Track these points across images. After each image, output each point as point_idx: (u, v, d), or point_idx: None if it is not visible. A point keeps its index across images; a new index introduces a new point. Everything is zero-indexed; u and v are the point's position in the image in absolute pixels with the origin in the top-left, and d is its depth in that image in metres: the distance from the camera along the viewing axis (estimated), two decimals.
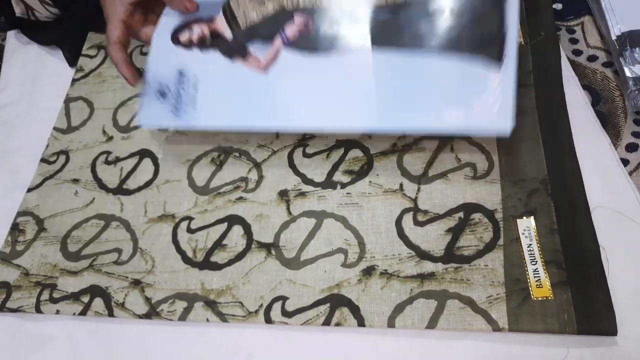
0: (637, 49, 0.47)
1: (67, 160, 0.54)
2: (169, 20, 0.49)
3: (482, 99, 0.39)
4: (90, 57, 0.61)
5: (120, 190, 0.51)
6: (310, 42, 0.45)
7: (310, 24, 0.46)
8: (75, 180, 0.53)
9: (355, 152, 0.49)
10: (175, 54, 0.48)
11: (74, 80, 0.60)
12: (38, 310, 0.46)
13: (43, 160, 0.55)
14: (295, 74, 0.45)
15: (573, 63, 0.51)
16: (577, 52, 0.52)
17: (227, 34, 0.48)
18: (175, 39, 0.49)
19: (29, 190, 0.53)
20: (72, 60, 0.62)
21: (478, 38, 0.41)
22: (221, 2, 0.49)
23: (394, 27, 0.44)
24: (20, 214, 0.52)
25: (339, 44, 0.45)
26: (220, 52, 0.47)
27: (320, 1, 0.45)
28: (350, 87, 0.44)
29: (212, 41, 0.48)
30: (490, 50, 0.40)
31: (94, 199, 0.51)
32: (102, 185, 0.52)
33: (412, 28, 0.43)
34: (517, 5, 0.41)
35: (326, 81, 0.45)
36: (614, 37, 0.49)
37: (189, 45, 0.48)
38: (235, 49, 0.47)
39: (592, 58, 0.51)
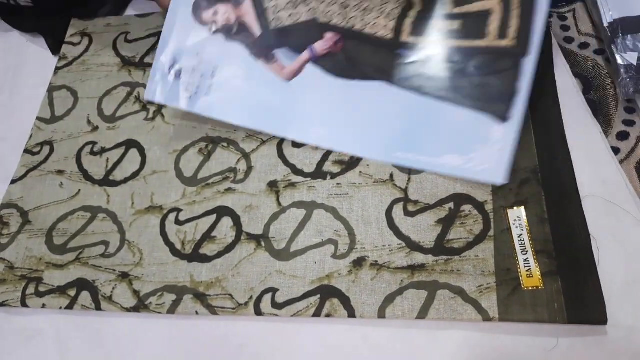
0: (629, 36, 0.46)
1: (52, 151, 0.53)
2: None
3: (481, 151, 0.41)
4: (74, 44, 0.60)
5: (106, 181, 0.50)
6: (335, 63, 0.46)
7: (340, 45, 0.46)
8: (60, 172, 0.52)
9: None
10: (194, 30, 0.46)
11: (57, 69, 0.59)
12: (24, 304, 0.45)
13: (26, 151, 0.54)
14: (315, 89, 0.46)
15: (564, 50, 0.50)
16: (569, 40, 0.52)
17: (255, 29, 0.47)
18: (197, 15, 0.46)
19: (13, 182, 0.52)
20: (55, 48, 0.61)
21: (489, 96, 0.43)
22: None
23: (415, 69, 0.45)
24: (4, 206, 0.51)
25: (362, 71, 0.46)
26: (246, 48, 0.46)
27: (354, 23, 0.45)
28: (362, 114, 0.45)
29: (238, 33, 0.46)
30: (498, 109, 0.42)
31: (79, 190, 0.50)
32: (87, 177, 0.51)
33: (431, 73, 0.45)
34: (532, 69, 0.42)
35: (342, 104, 0.45)
36: (605, 24, 0.48)
37: (210, 25, 0.47)
38: (262, 51, 0.46)
39: (584, 45, 0.51)
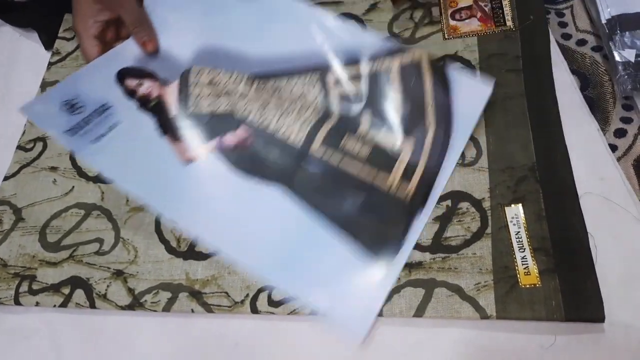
0: (627, 32, 0.46)
1: (45, 147, 0.53)
2: (127, 49, 0.48)
3: (352, 298, 0.40)
4: (67, 39, 0.59)
5: (100, 178, 0.50)
6: (240, 157, 0.45)
7: (250, 141, 0.45)
8: (54, 168, 0.51)
9: None
10: (111, 87, 0.47)
11: (50, 64, 0.58)
12: (17, 302, 0.45)
13: (19, 147, 0.53)
14: (211, 179, 0.45)
15: (562, 47, 0.50)
16: (566, 36, 0.52)
17: (173, 108, 0.47)
18: (121, 78, 0.47)
19: (5, 178, 0.51)
20: (48, 43, 0.60)
21: (377, 237, 0.42)
22: (181, 69, 0.48)
23: (316, 183, 0.44)
24: None
25: (265, 171, 0.44)
26: (156, 121, 0.46)
27: (268, 124, 0.45)
28: (254, 217, 0.43)
29: (154, 107, 0.47)
30: (384, 253, 0.41)
31: (73, 187, 0.50)
32: (81, 173, 0.50)
33: (330, 194, 0.43)
34: (421, 225, 0.42)
35: (235, 200, 0.44)
36: (603, 21, 0.48)
37: (130, 94, 0.47)
38: (172, 128, 0.46)
39: (582, 42, 0.51)
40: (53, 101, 0.44)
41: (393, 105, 0.45)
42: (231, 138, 0.44)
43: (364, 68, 0.46)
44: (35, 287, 0.45)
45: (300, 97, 0.46)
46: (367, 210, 0.42)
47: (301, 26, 0.50)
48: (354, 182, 0.43)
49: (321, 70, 0.48)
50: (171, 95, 0.47)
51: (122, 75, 0.47)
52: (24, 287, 0.45)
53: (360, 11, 0.55)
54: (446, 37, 0.52)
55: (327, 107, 0.46)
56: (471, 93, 0.45)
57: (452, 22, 0.52)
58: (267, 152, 0.45)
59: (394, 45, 0.46)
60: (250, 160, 0.45)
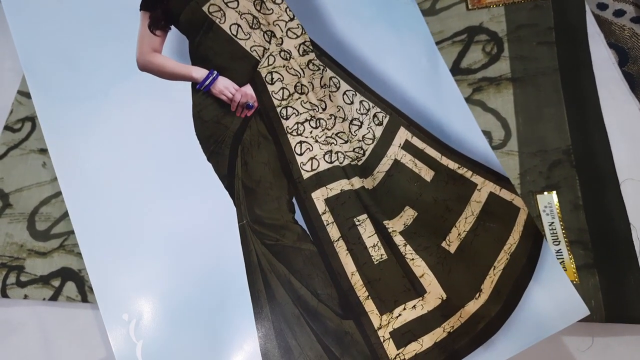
0: None
1: (34, 127, 0.49)
2: None
3: None
4: None
5: None
6: (220, 119, 0.31)
7: (246, 113, 0.31)
8: (43, 151, 0.48)
9: None
10: None
11: None
12: (4, 294, 0.42)
13: (7, 127, 0.50)
14: (145, 108, 0.34)
15: (598, 18, 0.47)
16: (603, 6, 0.48)
17: None
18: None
19: None
20: None
21: None
22: None
23: (289, 239, 0.31)
24: None
25: (233, 159, 0.32)
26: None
27: (285, 116, 0.31)
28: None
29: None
30: None
31: None
32: None
33: (293, 269, 0.30)
34: None
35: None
36: None
37: None
38: (160, 12, 0.33)
39: (619, 12, 0.47)
40: None
41: (452, 233, 0.31)
42: (227, 86, 0.29)
43: (446, 161, 0.33)
44: (23, 278, 0.42)
45: (350, 122, 0.31)
46: (324, 333, 0.28)
47: (424, 74, 0.37)
48: (342, 284, 0.28)
49: (398, 118, 0.33)
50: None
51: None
52: (12, 278, 0.43)
53: None
54: (470, 7, 0.48)
55: (370, 164, 0.31)
56: (560, 297, 0.31)
57: None
58: (257, 146, 0.31)
59: (502, 171, 0.34)
60: (228, 132, 0.31)
